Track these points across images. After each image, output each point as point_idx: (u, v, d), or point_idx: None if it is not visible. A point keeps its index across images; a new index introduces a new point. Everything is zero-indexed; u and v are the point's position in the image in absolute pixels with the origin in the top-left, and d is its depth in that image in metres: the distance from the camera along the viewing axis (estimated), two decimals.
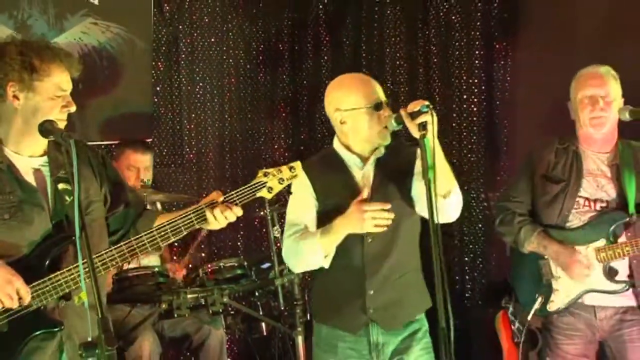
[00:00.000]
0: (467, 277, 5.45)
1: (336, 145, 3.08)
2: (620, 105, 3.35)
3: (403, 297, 3.01)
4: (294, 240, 2.98)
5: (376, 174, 3.02)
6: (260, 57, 5.51)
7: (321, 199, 3.01)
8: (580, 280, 3.34)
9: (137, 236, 2.69)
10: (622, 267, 3.37)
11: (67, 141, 2.46)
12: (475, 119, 5.38)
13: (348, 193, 2.97)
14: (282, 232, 4.40)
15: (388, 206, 2.84)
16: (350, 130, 3.00)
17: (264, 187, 2.74)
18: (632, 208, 3.33)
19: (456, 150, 5.43)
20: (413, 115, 2.68)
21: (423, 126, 2.64)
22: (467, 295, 5.45)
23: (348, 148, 3.04)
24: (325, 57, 5.65)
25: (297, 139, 5.63)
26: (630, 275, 3.36)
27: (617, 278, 3.36)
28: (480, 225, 5.34)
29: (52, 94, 2.65)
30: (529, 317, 3.43)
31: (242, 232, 5.35)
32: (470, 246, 5.43)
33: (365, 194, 2.93)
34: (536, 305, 3.40)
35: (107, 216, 2.87)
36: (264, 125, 5.57)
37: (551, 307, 3.43)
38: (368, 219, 2.81)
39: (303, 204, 2.98)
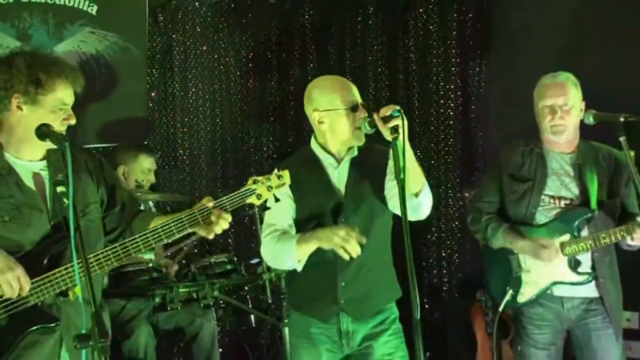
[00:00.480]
0: (444, 271, 5.48)
1: (313, 144, 3.10)
2: (580, 110, 3.38)
3: (373, 289, 3.04)
4: (271, 241, 3.02)
5: (350, 173, 3.03)
6: (250, 65, 5.51)
7: (298, 199, 3.03)
8: (549, 262, 3.35)
9: (131, 238, 2.69)
10: (585, 260, 3.41)
11: (63, 144, 2.46)
12: (452, 122, 5.43)
13: (323, 192, 3.01)
14: None
15: (364, 240, 2.85)
16: (328, 130, 3.01)
17: (253, 193, 2.76)
18: (594, 204, 3.37)
19: (434, 152, 5.48)
20: (385, 120, 2.69)
21: (395, 129, 2.65)
22: (444, 288, 5.50)
23: (324, 148, 3.05)
24: (311, 65, 5.66)
25: (284, 142, 5.62)
26: (593, 268, 3.40)
27: (580, 270, 3.39)
28: (456, 222, 5.37)
29: (55, 107, 2.66)
30: (500, 309, 3.45)
31: (232, 230, 5.33)
32: (447, 242, 5.47)
33: (341, 193, 2.97)
34: (507, 297, 3.41)
35: (103, 216, 2.87)
36: (253, 129, 5.56)
37: (521, 299, 3.46)
38: (338, 242, 2.83)
39: (281, 204, 2.99)
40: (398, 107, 2.68)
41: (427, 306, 5.51)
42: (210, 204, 2.70)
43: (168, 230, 2.69)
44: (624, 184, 3.43)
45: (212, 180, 5.38)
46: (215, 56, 5.36)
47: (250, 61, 5.51)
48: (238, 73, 5.47)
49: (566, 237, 3.38)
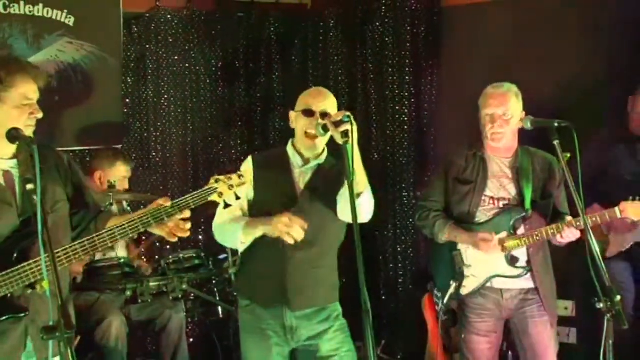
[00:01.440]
0: (399, 264, 5.49)
1: (289, 145, 3.10)
2: (520, 118, 3.38)
3: (317, 285, 3.04)
4: (223, 216, 3.02)
5: (313, 177, 3.03)
6: (219, 73, 5.48)
7: (258, 189, 3.01)
8: (491, 253, 3.37)
9: (98, 233, 2.64)
10: (521, 255, 3.44)
11: (32, 147, 2.42)
12: (406, 127, 5.42)
13: (283, 188, 3.00)
14: None
15: (306, 225, 2.84)
16: (295, 131, 3.04)
17: (215, 192, 2.72)
18: (528, 205, 3.41)
19: (390, 154, 5.46)
20: (336, 124, 2.68)
21: (345, 134, 2.63)
22: (400, 280, 5.49)
23: (297, 149, 3.05)
24: (277, 74, 5.65)
25: (251, 145, 5.59)
26: (528, 262, 3.43)
27: (517, 264, 3.42)
28: (411, 220, 5.38)
29: (19, 102, 2.60)
30: (445, 301, 3.47)
31: (202, 227, 5.28)
32: (403, 237, 5.46)
33: (299, 191, 2.97)
34: (451, 290, 3.44)
35: (70, 214, 2.83)
36: (222, 133, 5.53)
37: (464, 291, 3.48)
38: (282, 229, 2.82)
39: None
40: (348, 113, 2.67)
41: (383, 297, 5.53)
42: (168, 203, 2.65)
43: (133, 225, 2.64)
44: (557, 186, 3.47)
45: (184, 181, 5.34)
46: (187, 65, 5.32)
47: (220, 70, 5.48)
48: (208, 81, 5.44)
49: (504, 234, 3.40)
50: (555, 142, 2.96)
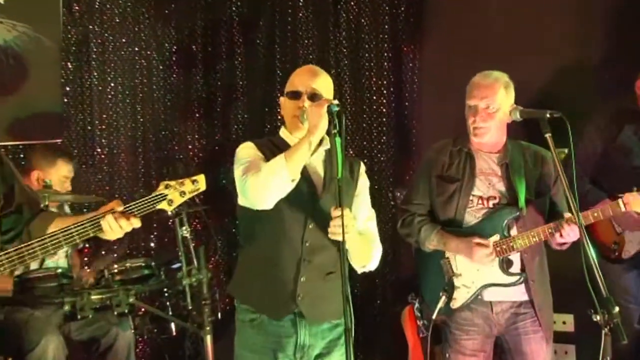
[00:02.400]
0: (377, 273, 5.37)
1: (283, 133, 2.96)
2: (507, 111, 3.32)
3: (332, 295, 2.83)
4: (253, 170, 2.74)
5: (326, 167, 2.90)
6: (174, 58, 5.42)
7: None
8: (484, 263, 3.33)
9: (27, 243, 2.56)
10: (515, 260, 3.40)
11: None
12: (384, 119, 5.39)
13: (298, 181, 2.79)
14: (190, 231, 4.34)
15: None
16: (284, 116, 2.94)
17: (164, 199, 2.64)
18: (522, 203, 3.36)
19: (367, 150, 5.44)
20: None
21: (334, 125, 2.56)
22: (378, 291, 5.45)
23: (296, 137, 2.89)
24: (239, 59, 5.59)
25: (211, 140, 5.54)
26: (523, 269, 3.38)
27: (511, 271, 3.37)
28: (390, 224, 5.31)
29: None
30: (434, 316, 3.39)
31: (155, 233, 5.20)
32: (381, 244, 5.38)
33: (318, 184, 2.86)
34: (440, 304, 3.37)
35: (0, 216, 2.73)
36: (177, 126, 5.46)
37: (454, 304, 3.41)
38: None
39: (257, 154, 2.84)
40: (337, 102, 2.62)
41: (360, 312, 5.44)
42: (120, 208, 2.57)
43: (69, 235, 2.56)
44: (552, 182, 3.44)
45: (133, 181, 5.25)
46: (136, 49, 5.25)
47: (174, 54, 5.43)
48: (161, 67, 5.38)
49: (496, 237, 3.36)
50: (547, 135, 2.94)
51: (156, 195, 2.63)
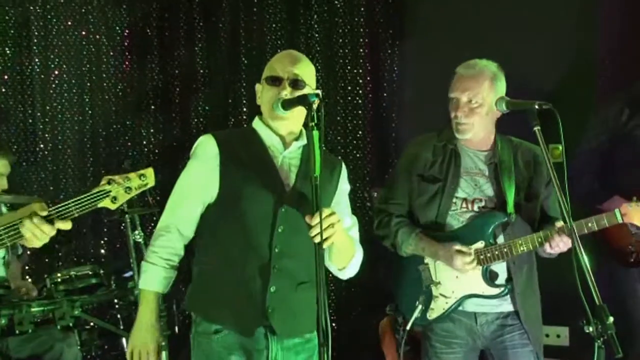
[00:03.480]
0: (353, 281, 5.39)
1: (256, 123, 2.92)
2: (493, 104, 3.31)
3: (304, 307, 2.84)
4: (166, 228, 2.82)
5: (302, 165, 2.87)
6: (126, 43, 5.45)
7: (230, 182, 2.80)
8: (464, 271, 3.32)
9: None
10: (500, 270, 3.39)
11: None
12: (361, 112, 5.40)
13: (266, 180, 2.80)
14: (144, 236, 4.33)
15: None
16: (261, 105, 2.90)
17: (107, 196, 2.59)
18: (510, 208, 3.35)
19: (341, 146, 5.44)
20: (300, 100, 2.61)
21: (312, 117, 2.54)
22: (354, 301, 5.46)
23: (274, 130, 2.88)
24: (200, 45, 5.61)
25: (168, 134, 5.55)
26: (509, 279, 3.38)
27: (496, 282, 3.38)
28: (366, 227, 5.31)
29: None
30: (408, 327, 3.40)
31: (105, 239, 5.19)
32: None
33: (288, 182, 2.82)
34: (416, 314, 3.36)
35: None
36: (130, 119, 5.49)
37: (431, 315, 3.41)
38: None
39: (197, 182, 2.81)
40: (318, 91, 2.60)
41: (334, 325, 5.47)
42: (43, 213, 2.50)
43: None
44: (544, 184, 3.44)
45: (80, 180, 5.29)
46: (83, 33, 5.27)
47: (126, 39, 5.45)
48: (111, 53, 5.40)
49: (480, 245, 3.35)
50: (536, 129, 2.92)
51: (97, 192, 2.57)
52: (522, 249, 3.29)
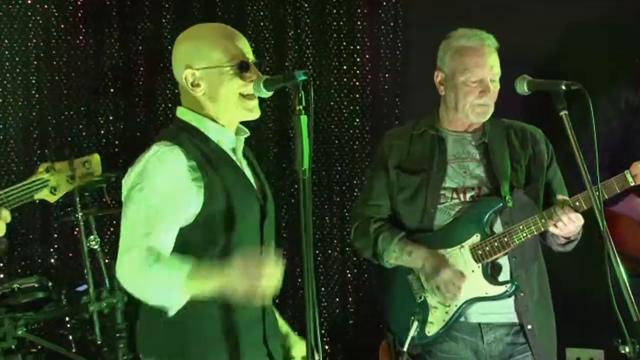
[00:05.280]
0: (350, 298, 5.48)
1: (186, 115, 2.88)
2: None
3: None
4: (147, 257, 2.59)
5: (249, 159, 2.94)
6: (79, 15, 5.47)
7: (214, 200, 2.73)
8: (456, 290, 3.37)
9: None
10: (503, 266, 3.45)
11: None
12: (358, 96, 5.44)
13: (242, 190, 2.83)
14: (101, 243, 4.36)
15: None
16: (207, 97, 2.84)
17: (44, 186, 2.64)
18: (505, 191, 3.42)
19: (335, 136, 5.48)
20: (287, 79, 2.63)
21: (299, 100, 2.56)
22: (349, 321, 5.51)
23: (212, 118, 2.86)
24: (168, 16, 5.61)
25: (131, 122, 5.59)
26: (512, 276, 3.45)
27: (499, 278, 3.43)
28: None
29: None
30: (405, 348, 3.43)
31: (55, 246, 5.20)
32: (354, 258, 5.46)
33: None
34: (412, 333, 3.41)
35: None
36: (86, 105, 5.52)
37: (430, 330, 3.47)
38: (252, 285, 2.56)
39: (171, 201, 2.67)
40: (303, 71, 2.62)
41: (327, 347, 5.50)
42: None
43: None
44: (546, 166, 3.52)
45: (26, 175, 5.11)
46: (29, 2, 5.28)
47: (80, 9, 5.46)
48: (62, 26, 5.42)
49: (477, 239, 3.42)
50: (563, 113, 2.92)
51: (33, 181, 2.64)
52: (523, 234, 3.37)
